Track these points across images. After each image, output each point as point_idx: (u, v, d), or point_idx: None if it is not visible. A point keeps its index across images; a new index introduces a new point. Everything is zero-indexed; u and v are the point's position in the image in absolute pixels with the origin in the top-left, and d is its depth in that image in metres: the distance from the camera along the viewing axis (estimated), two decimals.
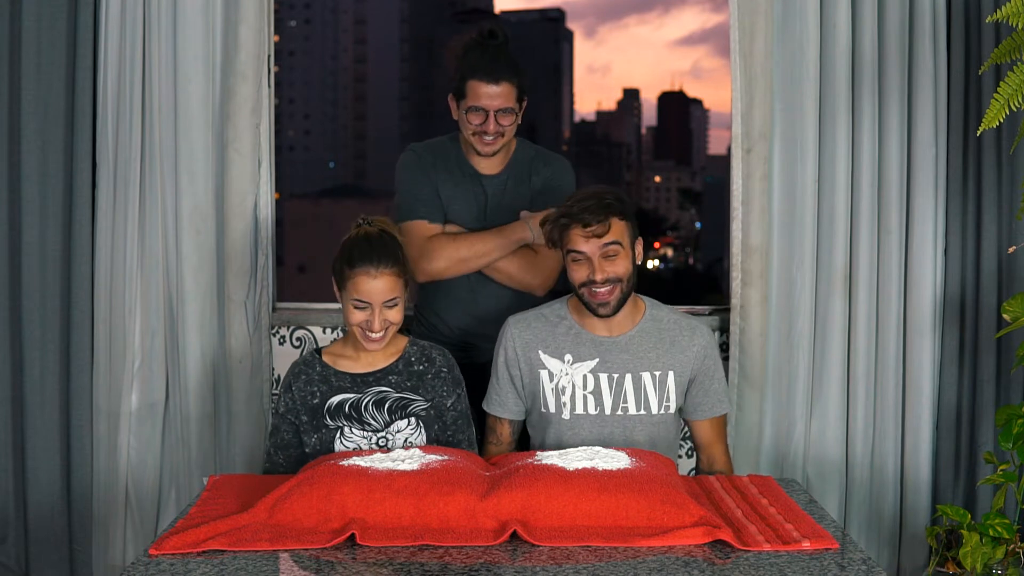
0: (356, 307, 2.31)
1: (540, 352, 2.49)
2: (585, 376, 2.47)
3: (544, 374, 2.49)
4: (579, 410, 2.47)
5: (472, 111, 2.65)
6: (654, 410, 2.48)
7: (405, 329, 2.56)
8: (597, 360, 2.47)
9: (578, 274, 2.41)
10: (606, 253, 2.37)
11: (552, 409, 2.49)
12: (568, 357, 2.48)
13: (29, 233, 3.10)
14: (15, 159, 3.09)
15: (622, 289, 2.41)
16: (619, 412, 2.47)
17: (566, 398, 2.47)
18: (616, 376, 2.46)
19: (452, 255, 2.69)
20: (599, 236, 2.36)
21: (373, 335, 2.32)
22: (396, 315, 2.33)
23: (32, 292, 3.11)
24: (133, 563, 1.82)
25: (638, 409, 2.47)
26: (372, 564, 1.82)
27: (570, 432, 2.45)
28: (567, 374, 2.47)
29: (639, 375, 2.46)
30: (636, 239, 2.45)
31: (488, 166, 2.77)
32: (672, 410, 2.50)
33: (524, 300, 2.73)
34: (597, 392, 2.47)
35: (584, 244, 2.37)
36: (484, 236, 2.71)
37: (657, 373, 2.47)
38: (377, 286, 2.29)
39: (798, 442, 3.12)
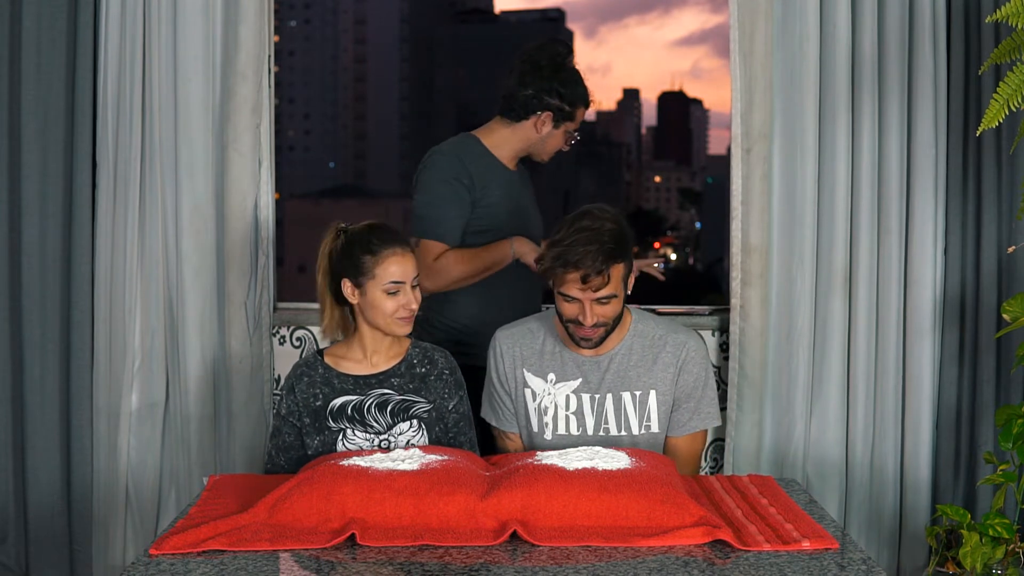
0: (389, 292, 2.32)
1: (524, 371, 2.47)
2: (568, 396, 2.44)
3: (528, 393, 2.47)
4: (561, 431, 2.45)
5: (568, 133, 2.87)
6: (635, 431, 2.45)
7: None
8: (580, 380, 2.44)
9: (567, 311, 2.34)
10: (599, 301, 2.31)
11: (535, 428, 2.47)
12: (551, 377, 2.45)
13: (29, 233, 3.10)
14: (15, 159, 3.10)
15: (608, 329, 2.36)
16: (600, 433, 2.44)
17: (548, 418, 2.45)
18: (598, 397, 2.43)
19: (454, 276, 2.73)
20: (595, 289, 2.29)
21: (409, 315, 2.34)
22: (419, 296, 2.37)
23: (32, 292, 3.11)
24: (133, 563, 1.82)
25: (619, 430, 2.44)
26: (372, 564, 1.82)
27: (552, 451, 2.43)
28: (549, 394, 2.45)
29: (619, 395, 2.44)
30: (630, 274, 2.37)
31: (509, 161, 2.88)
32: (654, 430, 2.46)
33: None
34: (579, 413, 2.44)
35: (578, 293, 2.29)
36: (482, 255, 2.74)
37: (638, 393, 2.44)
38: (409, 263, 2.34)
39: (798, 442, 3.12)
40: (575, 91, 2.82)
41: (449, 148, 2.83)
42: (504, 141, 2.85)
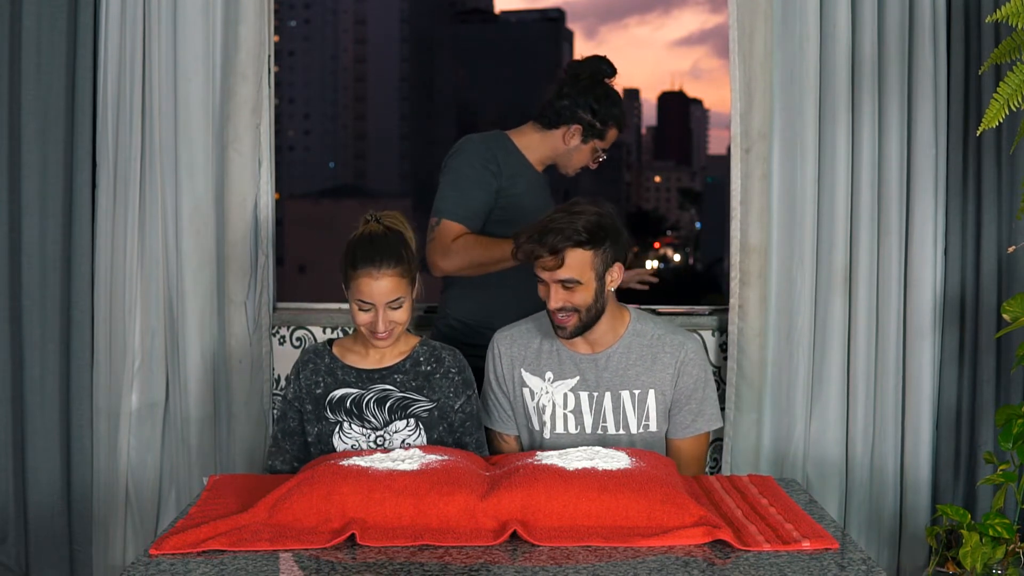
0: (360, 308, 2.30)
1: (522, 370, 2.48)
2: (565, 395, 2.45)
3: (526, 392, 2.48)
4: (559, 429, 2.46)
5: (596, 151, 2.89)
6: (633, 429, 2.45)
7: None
8: (578, 378, 2.45)
9: (541, 293, 2.39)
10: (564, 285, 2.34)
11: (535, 427, 2.48)
12: (549, 375, 2.46)
13: (29, 233, 3.10)
14: (15, 159, 3.10)
15: (580, 318, 2.37)
16: (599, 431, 2.45)
17: (546, 417, 2.46)
18: (596, 395, 2.44)
19: (470, 259, 2.72)
20: (549, 270, 2.33)
21: (378, 335, 2.31)
22: (402, 315, 2.31)
23: (32, 292, 3.11)
24: (133, 563, 1.82)
25: (617, 429, 2.45)
26: (372, 564, 1.82)
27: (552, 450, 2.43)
28: (547, 392, 2.46)
29: (618, 393, 2.44)
30: (610, 266, 2.37)
31: (537, 164, 2.92)
32: (652, 429, 2.47)
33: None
34: (577, 411, 2.45)
35: (541, 272, 2.35)
36: (501, 244, 2.73)
37: (636, 392, 2.45)
38: (380, 287, 2.26)
39: (798, 442, 3.12)
40: (608, 110, 2.84)
41: (480, 138, 2.88)
42: (534, 145, 2.89)
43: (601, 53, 2.94)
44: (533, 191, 2.87)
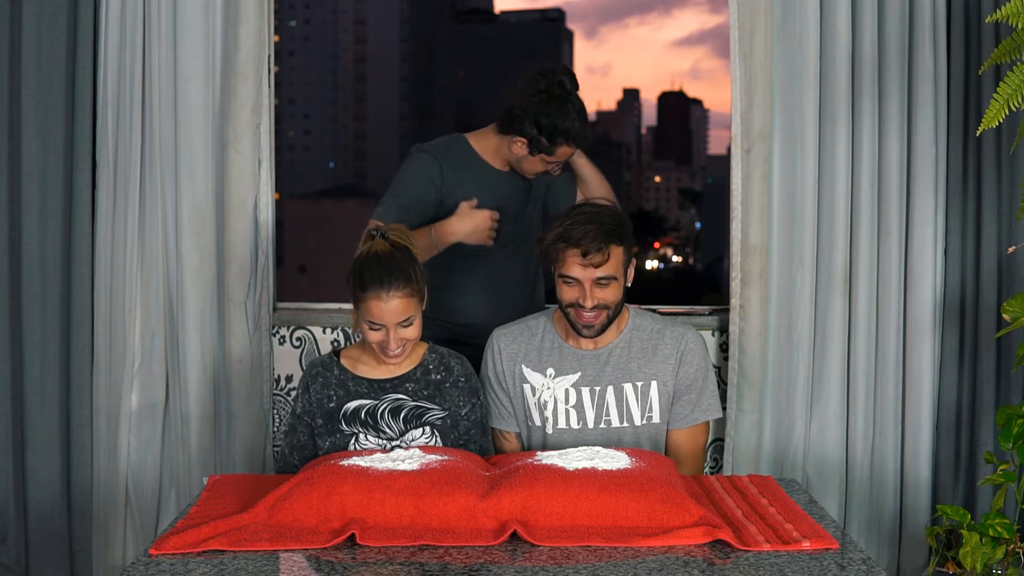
0: (371, 328, 2.29)
1: (523, 366, 2.49)
2: (567, 390, 2.46)
3: (527, 388, 2.49)
4: (561, 424, 2.47)
5: (548, 163, 2.80)
6: (637, 421, 2.47)
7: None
8: (579, 374, 2.46)
9: (567, 295, 2.39)
10: (599, 282, 2.36)
11: (537, 423, 2.49)
12: (550, 371, 2.47)
13: (29, 233, 3.09)
14: (15, 159, 3.09)
15: (609, 315, 2.40)
16: (602, 425, 2.46)
17: (548, 412, 2.47)
18: (598, 389, 2.46)
19: None
20: (596, 266, 2.34)
21: (391, 354, 2.31)
22: (412, 332, 2.30)
23: (32, 292, 3.11)
24: (133, 563, 1.82)
25: (621, 422, 2.46)
26: (372, 564, 1.82)
27: (554, 446, 2.44)
28: (549, 388, 2.47)
29: (620, 387, 2.46)
30: (630, 262, 2.43)
31: (499, 164, 2.87)
32: (655, 420, 2.48)
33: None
34: (579, 406, 2.46)
35: (579, 271, 2.35)
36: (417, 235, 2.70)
37: (639, 384, 2.46)
38: (390, 309, 2.26)
39: (798, 442, 3.12)
40: (557, 126, 2.72)
41: (430, 147, 2.86)
42: (492, 146, 2.87)
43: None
44: (488, 191, 2.82)
